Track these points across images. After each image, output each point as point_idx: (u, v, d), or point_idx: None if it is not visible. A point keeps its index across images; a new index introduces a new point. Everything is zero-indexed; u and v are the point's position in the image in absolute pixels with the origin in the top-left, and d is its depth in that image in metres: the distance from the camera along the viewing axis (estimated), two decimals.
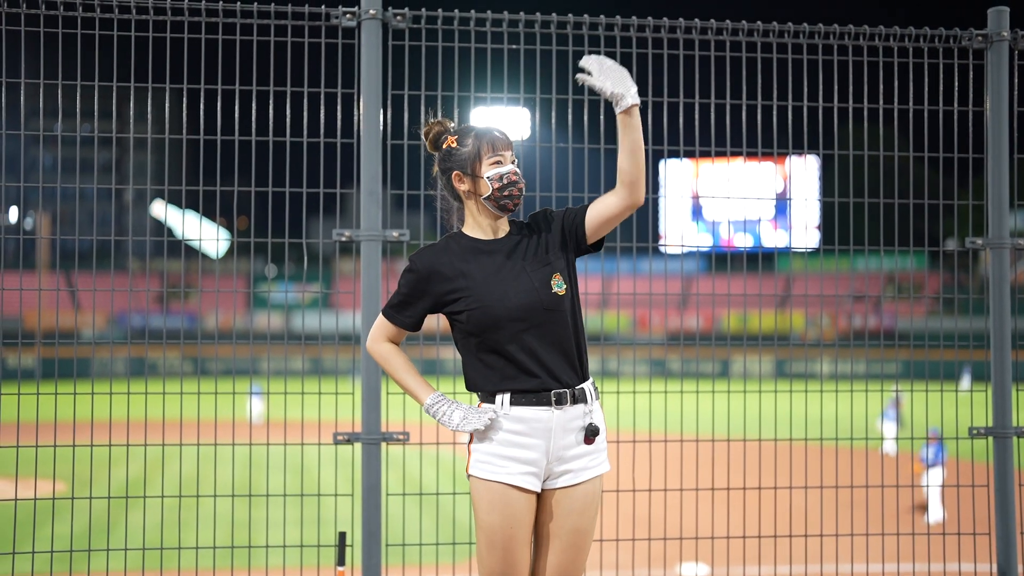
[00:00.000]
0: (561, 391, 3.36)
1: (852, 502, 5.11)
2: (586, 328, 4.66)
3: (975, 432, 4.90)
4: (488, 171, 3.40)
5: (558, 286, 3.39)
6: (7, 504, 5.20)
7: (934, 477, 13.60)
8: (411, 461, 16.90)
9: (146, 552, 4.68)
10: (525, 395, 3.35)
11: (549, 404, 3.35)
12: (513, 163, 3.43)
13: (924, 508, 14.59)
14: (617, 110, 3.33)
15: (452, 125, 3.54)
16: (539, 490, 3.39)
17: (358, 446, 4.50)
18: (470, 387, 3.47)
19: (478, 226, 3.47)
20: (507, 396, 3.36)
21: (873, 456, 18.59)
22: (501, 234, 3.47)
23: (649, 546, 5.32)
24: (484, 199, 3.41)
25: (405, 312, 3.46)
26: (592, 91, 3.47)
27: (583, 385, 3.42)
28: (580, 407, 3.40)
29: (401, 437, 4.44)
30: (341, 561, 4.01)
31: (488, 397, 3.39)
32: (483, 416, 3.33)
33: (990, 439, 4.89)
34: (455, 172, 3.45)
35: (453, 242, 3.47)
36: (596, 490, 3.44)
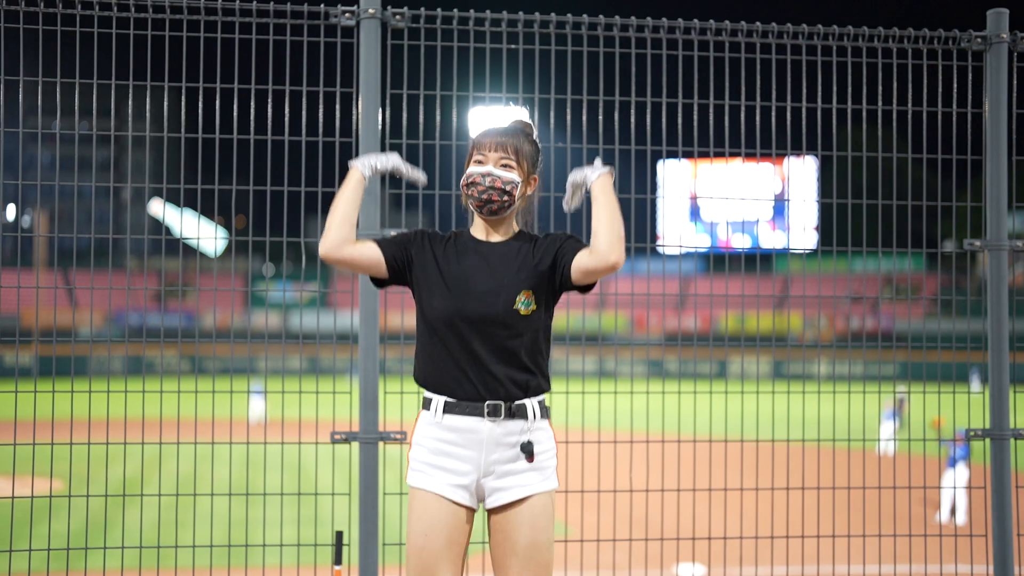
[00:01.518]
0: (496, 403, 3.25)
1: (849, 503, 5.11)
2: (583, 328, 4.63)
3: (972, 434, 4.90)
4: (467, 167, 3.39)
5: (524, 304, 3.28)
6: (4, 502, 5.19)
7: (959, 478, 13.64)
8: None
9: (143, 550, 4.67)
10: (459, 403, 3.26)
11: (482, 415, 3.24)
12: (500, 166, 3.33)
13: (937, 508, 14.62)
14: (588, 184, 3.33)
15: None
16: (472, 505, 3.30)
17: (355, 445, 4.50)
18: (417, 377, 3.38)
19: (476, 224, 3.44)
20: (442, 402, 3.28)
21: (870, 457, 18.60)
22: (497, 237, 3.40)
23: (646, 546, 5.33)
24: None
25: (387, 239, 3.41)
26: (580, 188, 3.42)
27: (524, 401, 3.29)
28: (519, 423, 3.28)
29: (399, 436, 4.44)
30: (338, 560, 4.01)
31: (426, 401, 3.32)
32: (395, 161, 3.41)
33: (987, 440, 4.89)
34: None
35: (455, 237, 3.43)
36: (544, 505, 3.30)
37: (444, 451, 3.28)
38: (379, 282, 3.44)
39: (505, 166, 3.34)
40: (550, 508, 3.32)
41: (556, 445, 3.38)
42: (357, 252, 3.33)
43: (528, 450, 3.26)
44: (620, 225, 3.22)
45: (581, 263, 3.26)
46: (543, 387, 3.34)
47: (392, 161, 3.47)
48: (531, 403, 3.30)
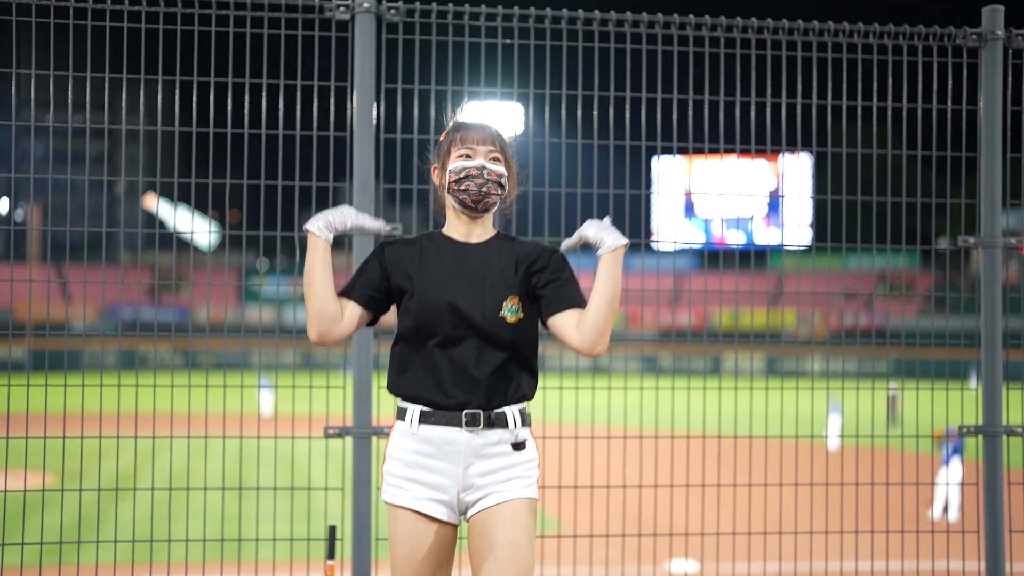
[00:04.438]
0: (474, 412, 3.07)
1: (842, 499, 5.12)
2: None
3: (965, 431, 4.91)
4: (453, 163, 3.20)
5: (510, 311, 3.12)
6: None
7: (952, 475, 13.68)
8: None
9: (136, 544, 4.66)
10: (435, 413, 3.08)
11: (460, 425, 3.07)
12: (490, 159, 3.20)
13: (930, 504, 14.67)
14: (602, 250, 3.11)
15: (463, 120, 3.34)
16: (454, 522, 3.13)
17: (349, 440, 4.50)
18: (390, 386, 3.20)
19: (452, 225, 3.26)
20: (417, 412, 3.10)
21: (864, 453, 18.66)
22: (476, 239, 3.23)
23: (639, 542, 5.33)
24: (448, 194, 3.22)
25: (358, 284, 3.18)
26: (585, 242, 3.21)
27: (504, 409, 3.11)
28: (498, 432, 3.10)
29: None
30: (331, 555, 4.01)
31: (401, 411, 3.14)
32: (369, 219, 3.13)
33: (980, 437, 4.90)
34: (434, 165, 3.32)
35: (426, 239, 3.24)
36: (527, 508, 3.11)
37: (420, 464, 3.10)
38: (372, 324, 3.27)
39: (495, 159, 3.21)
40: (532, 513, 3.13)
41: (538, 456, 3.22)
42: (347, 325, 3.14)
43: (520, 444, 3.12)
44: (615, 313, 3.10)
45: (563, 329, 3.14)
46: (526, 395, 3.17)
47: (349, 216, 3.17)
48: (511, 411, 3.13)
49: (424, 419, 3.09)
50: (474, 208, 3.19)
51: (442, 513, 3.10)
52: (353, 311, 3.15)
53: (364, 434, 4.42)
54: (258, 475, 4.66)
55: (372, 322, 3.25)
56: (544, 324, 3.21)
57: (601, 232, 3.14)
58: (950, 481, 13.61)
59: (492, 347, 3.11)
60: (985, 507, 4.86)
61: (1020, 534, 5.34)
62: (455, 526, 3.16)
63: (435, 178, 3.33)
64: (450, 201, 3.24)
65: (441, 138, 3.34)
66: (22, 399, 4.57)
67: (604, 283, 3.09)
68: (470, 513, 3.12)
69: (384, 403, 4.80)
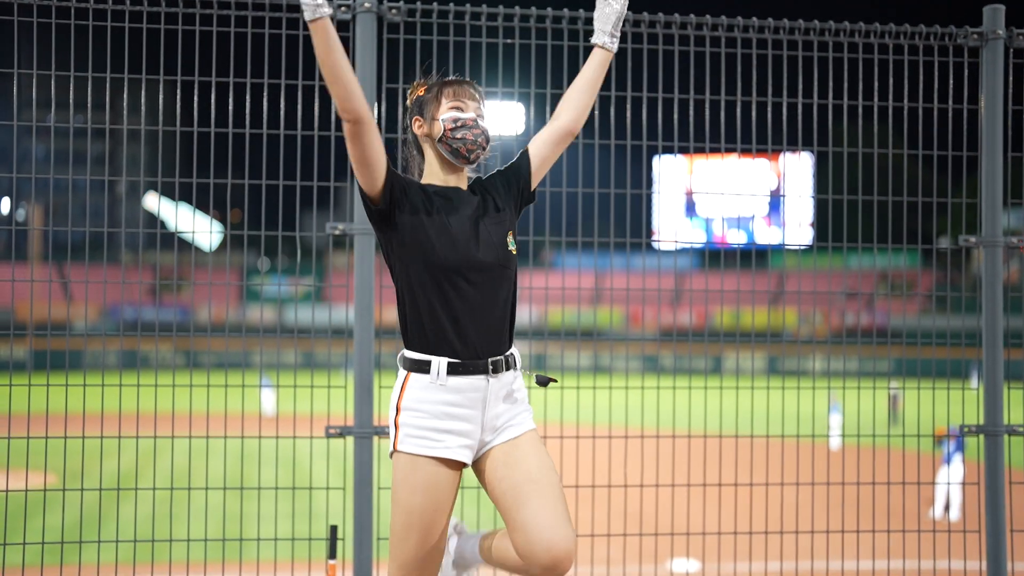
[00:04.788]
0: (497, 359, 3.22)
1: (843, 498, 5.12)
2: (579, 324, 4.67)
3: (966, 430, 4.91)
4: (444, 113, 3.33)
5: (511, 244, 3.30)
6: None
7: (953, 474, 13.68)
8: None
9: (137, 544, 4.67)
10: (463, 363, 3.17)
11: (486, 372, 3.20)
12: (479, 116, 3.34)
13: (931, 504, 14.67)
14: (610, 46, 3.49)
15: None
16: (469, 462, 3.26)
17: (350, 440, 4.50)
18: (412, 341, 3.24)
19: (435, 175, 3.36)
20: (443, 364, 3.17)
21: (865, 453, 18.64)
22: (461, 184, 3.37)
23: (640, 541, 5.33)
24: (437, 142, 3.32)
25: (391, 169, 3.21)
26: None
27: (512, 350, 3.30)
28: (511, 373, 3.27)
29: None
30: (332, 554, 4.01)
31: (420, 363, 3.19)
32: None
33: (981, 437, 4.90)
34: (415, 117, 3.40)
35: (419, 184, 3.31)
36: (538, 437, 3.30)
37: (449, 413, 3.19)
38: (370, 205, 3.25)
39: (480, 116, 3.37)
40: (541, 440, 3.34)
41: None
42: (375, 131, 3.12)
43: (543, 381, 3.37)
44: (594, 97, 3.49)
45: (545, 142, 3.48)
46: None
47: None
48: (515, 350, 3.31)
49: (452, 370, 3.17)
50: (466, 158, 3.32)
51: (467, 457, 3.23)
52: (382, 152, 3.17)
53: (365, 434, 4.42)
54: (259, 475, 4.66)
55: (371, 202, 3.22)
56: (531, 181, 3.46)
57: (608, 26, 3.49)
58: (951, 480, 13.62)
59: (506, 284, 3.26)
60: (986, 506, 4.86)
61: (1021, 533, 5.34)
62: (466, 466, 3.28)
63: (416, 128, 3.40)
64: (439, 150, 3.35)
65: (420, 92, 3.44)
66: (24, 399, 4.58)
67: (598, 72, 3.52)
68: (486, 449, 3.25)
69: (385, 403, 4.80)
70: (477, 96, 3.38)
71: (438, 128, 3.32)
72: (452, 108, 3.33)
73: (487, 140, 3.34)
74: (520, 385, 3.33)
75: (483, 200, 3.34)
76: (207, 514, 4.81)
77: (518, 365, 3.31)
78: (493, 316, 3.22)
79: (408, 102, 3.49)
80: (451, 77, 3.44)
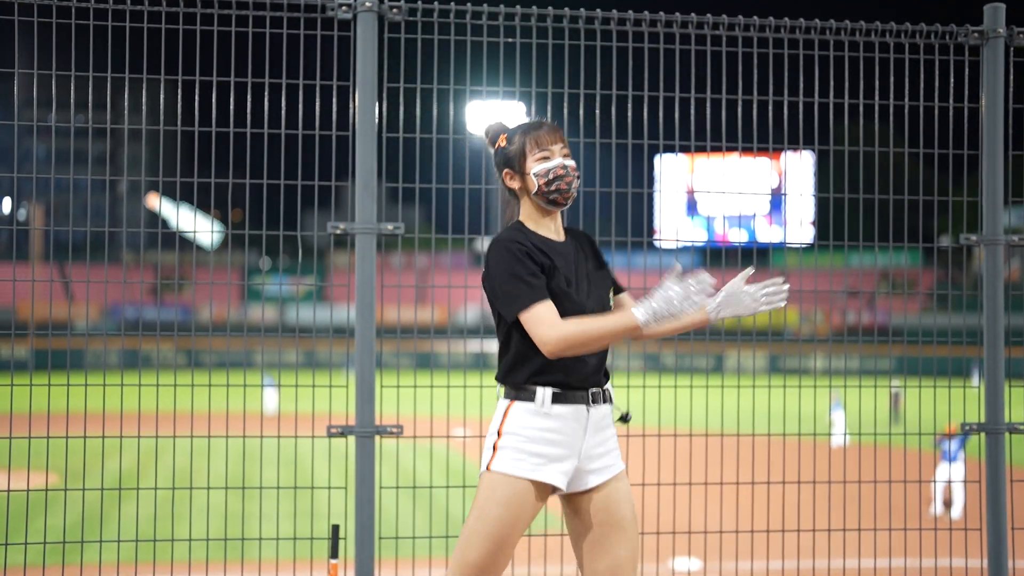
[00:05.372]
0: (597, 390, 3.41)
1: (844, 497, 5.12)
2: None
3: (967, 428, 4.91)
4: (534, 167, 3.41)
5: (610, 299, 3.53)
6: (0, 495, 5.19)
7: (956, 472, 13.69)
8: (404, 454, 16.91)
9: (139, 544, 4.67)
10: (565, 393, 3.34)
11: (586, 402, 3.37)
12: (564, 156, 3.43)
13: (931, 502, 14.66)
14: (639, 316, 3.25)
15: (507, 124, 3.57)
16: (564, 488, 3.39)
17: (351, 439, 4.50)
18: (504, 376, 3.41)
19: (537, 223, 3.47)
20: (548, 393, 3.34)
21: (866, 451, 18.63)
22: (562, 236, 3.50)
23: (642, 540, 5.32)
24: (534, 195, 3.43)
25: (544, 281, 3.34)
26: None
27: (608, 386, 3.48)
28: (607, 407, 3.46)
29: (395, 430, 4.44)
30: (334, 554, 4.01)
31: (522, 392, 3.35)
32: (703, 284, 3.22)
33: (982, 435, 4.90)
34: (505, 171, 3.49)
35: (522, 231, 3.44)
36: (626, 479, 3.49)
37: (549, 439, 3.33)
38: None
39: (566, 155, 3.46)
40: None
41: None
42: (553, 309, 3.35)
43: (626, 418, 3.51)
44: (596, 345, 3.30)
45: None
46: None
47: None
48: (609, 386, 3.48)
49: (556, 399, 3.34)
50: (564, 204, 3.44)
51: (563, 483, 3.36)
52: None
53: (367, 433, 4.42)
54: (261, 474, 4.66)
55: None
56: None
57: (692, 298, 3.26)
58: (953, 478, 13.62)
59: None
60: (987, 504, 4.87)
61: (1022, 531, 5.34)
62: (564, 494, 3.44)
63: (509, 182, 3.50)
64: (536, 202, 3.45)
65: (501, 143, 3.51)
66: (25, 399, 4.58)
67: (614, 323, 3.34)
68: (582, 486, 3.41)
69: (386, 402, 4.80)
70: (556, 135, 3.46)
71: (531, 183, 3.43)
72: (540, 160, 3.42)
73: (577, 176, 3.45)
74: (611, 420, 3.49)
75: (582, 251, 3.51)
76: (208, 514, 4.82)
77: (612, 400, 3.50)
78: (594, 358, 3.40)
79: (491, 150, 3.58)
80: (528, 122, 3.52)
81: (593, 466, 3.41)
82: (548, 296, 3.30)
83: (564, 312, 3.32)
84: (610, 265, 3.59)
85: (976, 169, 5.03)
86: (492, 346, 3.62)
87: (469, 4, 4.61)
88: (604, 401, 3.44)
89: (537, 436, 3.33)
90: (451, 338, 6.10)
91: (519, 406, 3.36)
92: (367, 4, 4.44)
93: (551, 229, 3.47)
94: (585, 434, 3.37)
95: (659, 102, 4.93)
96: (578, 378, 3.36)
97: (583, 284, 3.43)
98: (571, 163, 3.43)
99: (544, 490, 3.35)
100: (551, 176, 3.39)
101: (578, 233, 3.57)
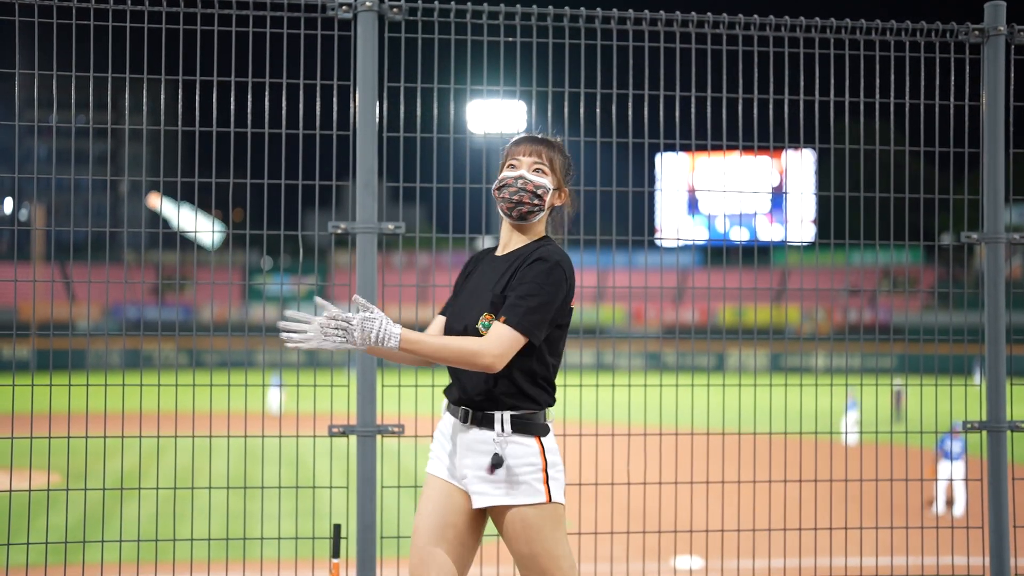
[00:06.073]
0: (466, 409, 3.34)
1: (846, 495, 5.12)
2: (581, 322, 4.65)
3: (969, 426, 4.91)
4: (501, 172, 3.44)
5: (483, 326, 3.27)
6: (2, 495, 5.20)
7: (957, 471, 13.70)
8: (406, 454, 16.93)
9: (141, 544, 4.68)
10: (449, 404, 3.44)
11: (456, 417, 3.39)
12: (532, 170, 3.38)
13: (933, 501, 14.66)
14: (394, 345, 3.13)
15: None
16: (455, 483, 3.38)
17: (353, 439, 4.50)
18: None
19: (507, 232, 3.48)
20: (444, 400, 3.48)
21: (867, 450, 18.63)
22: (509, 248, 3.43)
23: (644, 539, 5.34)
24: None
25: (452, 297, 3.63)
26: None
27: (493, 412, 3.29)
28: (487, 433, 3.29)
29: (396, 430, 4.44)
30: (336, 553, 4.01)
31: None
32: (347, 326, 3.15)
33: (984, 433, 4.90)
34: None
35: (481, 253, 3.56)
36: (537, 516, 3.25)
37: (441, 442, 3.45)
38: None
39: (538, 171, 3.40)
40: (546, 520, 3.26)
41: (544, 461, 3.29)
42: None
43: (494, 462, 3.25)
44: (459, 355, 3.19)
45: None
46: (518, 404, 3.29)
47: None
48: (500, 415, 3.28)
49: (446, 407, 3.46)
50: (509, 215, 3.40)
51: (445, 475, 3.40)
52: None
53: (368, 432, 4.42)
54: (263, 474, 4.67)
55: None
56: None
57: (369, 336, 3.17)
58: (956, 477, 13.63)
59: None
60: (989, 502, 4.87)
61: None
62: (462, 492, 3.37)
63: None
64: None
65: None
66: (27, 399, 4.58)
67: (417, 360, 3.44)
68: (473, 504, 3.35)
69: (388, 402, 4.80)
70: (535, 150, 3.41)
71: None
72: (507, 167, 3.44)
73: (533, 195, 3.36)
74: (516, 454, 3.29)
75: (508, 272, 3.34)
76: (211, 513, 4.82)
77: (500, 429, 3.29)
78: (464, 374, 3.35)
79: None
80: (524, 136, 3.50)
81: (472, 488, 3.32)
82: (444, 312, 3.51)
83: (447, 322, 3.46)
84: (509, 292, 3.29)
85: (977, 167, 5.03)
86: None
87: (469, 3, 4.61)
88: (479, 425, 3.29)
89: (438, 437, 3.48)
90: None
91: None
92: (367, 4, 4.44)
93: (511, 241, 3.44)
94: (457, 449, 3.36)
95: (660, 101, 4.93)
96: (453, 392, 3.42)
97: (461, 299, 3.45)
98: (534, 179, 3.36)
99: (437, 477, 3.41)
100: (500, 183, 3.39)
101: (531, 254, 3.34)
